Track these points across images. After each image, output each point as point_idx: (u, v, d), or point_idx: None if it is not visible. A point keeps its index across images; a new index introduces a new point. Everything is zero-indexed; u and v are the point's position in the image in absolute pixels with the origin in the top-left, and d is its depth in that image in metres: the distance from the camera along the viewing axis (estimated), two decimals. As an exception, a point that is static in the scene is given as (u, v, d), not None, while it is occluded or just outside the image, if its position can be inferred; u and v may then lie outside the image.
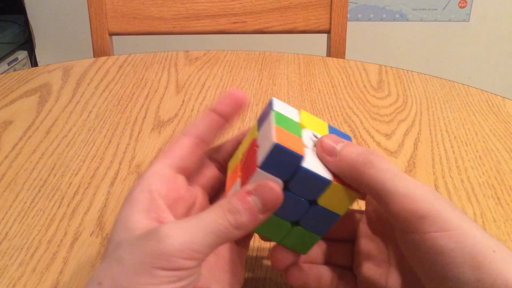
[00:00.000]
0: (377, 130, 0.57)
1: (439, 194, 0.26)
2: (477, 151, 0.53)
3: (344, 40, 0.89)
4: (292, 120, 0.30)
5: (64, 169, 0.50)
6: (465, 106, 0.62)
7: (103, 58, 0.78)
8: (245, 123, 0.59)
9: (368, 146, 0.54)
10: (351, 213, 0.33)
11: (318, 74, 0.72)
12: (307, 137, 0.29)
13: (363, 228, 0.32)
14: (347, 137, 0.31)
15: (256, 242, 0.40)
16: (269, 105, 0.30)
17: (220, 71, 0.73)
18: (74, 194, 0.46)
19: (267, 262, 0.38)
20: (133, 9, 0.89)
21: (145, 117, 0.60)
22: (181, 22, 0.90)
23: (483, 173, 0.49)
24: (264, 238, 0.33)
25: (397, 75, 0.72)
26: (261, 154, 0.27)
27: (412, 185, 0.25)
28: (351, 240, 0.33)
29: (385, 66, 0.75)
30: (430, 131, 0.57)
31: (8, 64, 1.78)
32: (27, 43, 1.91)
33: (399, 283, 0.29)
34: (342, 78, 0.70)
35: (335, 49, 0.89)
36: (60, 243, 0.40)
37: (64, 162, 0.51)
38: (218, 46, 1.69)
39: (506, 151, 0.53)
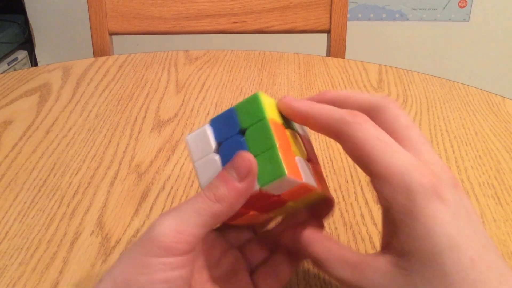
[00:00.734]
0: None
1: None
2: (477, 151, 0.53)
3: (344, 40, 0.89)
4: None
5: (64, 168, 0.50)
6: (465, 106, 0.62)
7: (103, 58, 0.78)
8: (245, 123, 0.58)
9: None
10: None
11: (318, 74, 0.72)
12: None
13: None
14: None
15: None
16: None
17: (220, 71, 0.73)
18: (74, 193, 0.46)
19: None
20: (133, 8, 0.89)
21: (145, 117, 0.60)
22: (181, 21, 0.90)
23: (483, 173, 0.49)
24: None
25: (397, 75, 0.72)
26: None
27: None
28: None
29: (385, 66, 0.75)
30: (430, 131, 0.57)
31: (8, 63, 1.78)
32: (27, 42, 1.91)
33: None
34: (342, 78, 0.70)
35: (335, 49, 0.89)
36: (60, 243, 0.40)
37: (64, 162, 0.51)
38: (218, 46, 1.69)
39: (506, 151, 0.53)
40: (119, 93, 0.66)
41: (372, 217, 0.43)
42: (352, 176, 0.48)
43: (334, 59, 0.77)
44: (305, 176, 0.28)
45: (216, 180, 0.27)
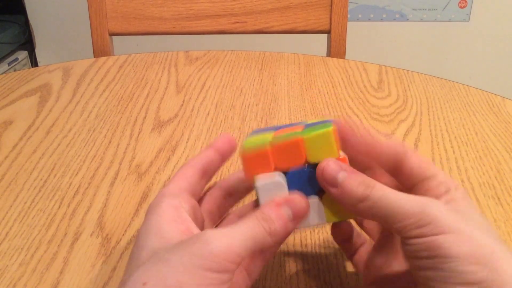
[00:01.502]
0: (377, 130, 0.57)
1: (434, 201, 0.27)
2: (477, 151, 0.53)
3: (344, 40, 0.89)
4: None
5: (64, 169, 0.50)
6: (465, 106, 0.62)
7: (103, 58, 0.78)
8: (245, 123, 0.59)
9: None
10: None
11: (318, 74, 0.72)
12: None
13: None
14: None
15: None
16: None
17: (220, 71, 0.73)
18: (74, 194, 0.46)
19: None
20: (133, 9, 0.89)
21: (145, 117, 0.60)
22: (181, 22, 0.90)
23: (483, 173, 0.49)
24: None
25: (397, 75, 0.72)
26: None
27: (407, 202, 0.27)
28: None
29: (385, 66, 0.75)
30: (430, 131, 0.57)
31: (9, 64, 1.78)
32: (27, 43, 1.91)
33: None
34: (342, 78, 0.70)
35: (335, 49, 0.89)
36: (60, 243, 0.40)
37: (64, 162, 0.51)
38: (218, 46, 1.69)
39: (506, 151, 0.53)
40: (119, 94, 0.66)
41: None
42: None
43: (334, 59, 0.77)
44: None
45: (273, 214, 0.28)
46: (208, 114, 0.61)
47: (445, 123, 0.58)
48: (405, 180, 0.31)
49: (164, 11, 0.90)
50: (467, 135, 0.56)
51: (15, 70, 0.90)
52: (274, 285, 0.36)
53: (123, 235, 0.41)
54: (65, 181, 0.48)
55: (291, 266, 0.38)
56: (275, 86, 0.68)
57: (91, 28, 0.89)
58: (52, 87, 0.68)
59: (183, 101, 0.64)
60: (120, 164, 0.51)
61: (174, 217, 0.28)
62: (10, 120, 0.60)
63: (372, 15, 1.77)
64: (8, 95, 0.66)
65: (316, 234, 0.41)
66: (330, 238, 0.37)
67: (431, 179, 0.29)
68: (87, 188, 0.47)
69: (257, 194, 0.30)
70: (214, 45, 1.74)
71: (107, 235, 0.41)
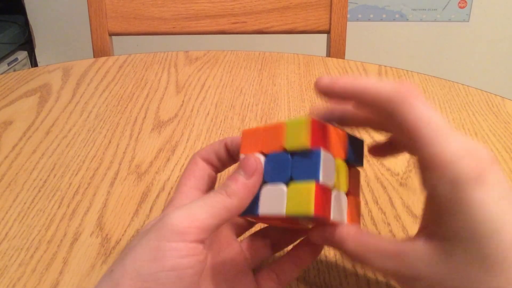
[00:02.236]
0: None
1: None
2: (477, 151, 0.53)
3: (344, 40, 0.89)
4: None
5: (64, 169, 0.50)
6: (465, 106, 0.62)
7: (103, 59, 0.78)
8: (244, 123, 0.59)
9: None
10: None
11: (318, 74, 0.72)
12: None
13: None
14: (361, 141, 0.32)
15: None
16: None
17: (220, 71, 0.73)
18: (74, 194, 0.46)
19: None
20: (133, 9, 0.89)
21: (145, 117, 0.60)
22: (181, 22, 0.90)
23: (483, 173, 0.49)
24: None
25: (396, 75, 0.72)
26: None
27: (444, 133, 0.25)
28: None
29: (385, 66, 0.75)
30: (430, 131, 0.57)
31: (8, 64, 1.78)
32: (27, 43, 1.91)
33: None
34: (342, 78, 0.70)
35: (335, 49, 0.89)
36: (60, 244, 0.40)
37: (64, 162, 0.51)
38: (218, 46, 1.69)
39: (506, 151, 0.53)
40: (119, 94, 0.66)
41: (372, 218, 0.43)
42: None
43: (334, 59, 0.77)
44: (334, 214, 0.29)
45: (227, 180, 0.29)
46: (208, 114, 0.61)
47: (444, 123, 0.58)
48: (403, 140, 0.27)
49: (164, 11, 0.90)
50: (466, 135, 0.56)
51: (15, 70, 0.90)
52: (274, 285, 0.36)
53: (122, 235, 0.41)
54: (65, 181, 0.48)
55: (291, 266, 0.38)
56: (274, 86, 0.68)
57: (91, 28, 0.89)
58: (52, 87, 0.68)
59: (183, 101, 0.64)
60: (120, 164, 0.51)
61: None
62: (10, 120, 0.60)
63: (372, 15, 1.77)
64: (8, 95, 0.66)
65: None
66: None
67: (430, 161, 0.25)
68: (86, 188, 0.47)
69: None
70: (214, 45, 1.74)
71: (106, 235, 0.41)
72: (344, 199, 0.30)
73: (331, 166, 0.29)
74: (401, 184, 0.47)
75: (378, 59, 1.79)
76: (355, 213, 0.31)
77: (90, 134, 0.56)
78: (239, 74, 0.72)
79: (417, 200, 0.45)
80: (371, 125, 0.32)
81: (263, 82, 0.70)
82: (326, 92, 0.29)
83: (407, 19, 1.77)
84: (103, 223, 0.42)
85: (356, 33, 1.78)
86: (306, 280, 0.36)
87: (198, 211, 0.27)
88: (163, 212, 0.30)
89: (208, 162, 0.33)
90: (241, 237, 0.35)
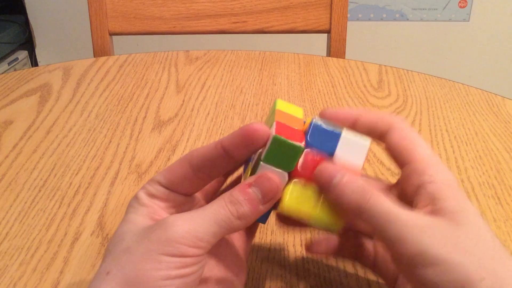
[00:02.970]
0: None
1: (431, 224, 0.26)
2: (477, 151, 0.53)
3: (344, 40, 0.89)
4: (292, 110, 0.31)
5: (65, 169, 0.50)
6: (465, 106, 0.62)
7: (103, 58, 0.78)
8: (245, 122, 0.59)
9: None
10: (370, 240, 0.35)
11: (318, 74, 0.72)
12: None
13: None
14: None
15: (256, 241, 0.40)
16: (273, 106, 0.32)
17: (220, 71, 0.73)
18: (75, 194, 0.46)
19: (270, 265, 0.38)
20: (134, 9, 0.90)
21: (145, 117, 0.60)
22: (181, 22, 0.90)
23: (483, 173, 0.49)
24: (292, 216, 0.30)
25: (397, 75, 0.72)
26: (265, 147, 0.28)
27: (401, 225, 0.26)
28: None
29: (385, 66, 0.75)
30: (430, 131, 0.57)
31: (9, 64, 1.78)
32: (28, 43, 1.91)
33: None
34: (342, 78, 0.71)
35: (335, 49, 0.89)
36: (60, 243, 0.40)
37: (65, 162, 0.51)
38: (218, 46, 1.69)
39: (506, 151, 0.53)
40: (120, 93, 0.66)
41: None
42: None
43: (334, 59, 0.77)
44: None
45: (240, 196, 0.27)
46: (208, 113, 0.61)
47: (445, 123, 0.58)
48: (394, 157, 0.30)
49: (164, 10, 0.90)
50: (467, 134, 0.56)
51: (15, 70, 0.90)
52: (274, 285, 0.36)
53: (123, 234, 0.41)
54: (65, 181, 0.48)
55: (291, 266, 0.38)
56: (275, 86, 0.68)
57: (91, 28, 0.89)
58: (52, 87, 0.68)
59: (183, 100, 0.64)
60: (120, 163, 0.51)
61: (147, 212, 0.28)
62: (10, 120, 0.60)
63: (372, 15, 1.77)
64: (8, 94, 0.66)
65: (316, 234, 0.41)
66: (330, 237, 0.37)
67: (412, 171, 0.28)
68: (87, 187, 0.47)
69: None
70: (214, 45, 1.74)
71: (107, 234, 0.41)
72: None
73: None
74: (401, 184, 0.47)
75: (378, 59, 1.79)
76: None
77: (91, 133, 0.56)
78: (240, 74, 0.72)
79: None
80: None
81: (264, 81, 0.70)
82: (335, 120, 0.31)
83: (408, 19, 1.77)
84: (103, 223, 0.42)
85: (357, 33, 1.78)
86: (306, 280, 0.36)
87: (202, 228, 0.26)
88: (138, 194, 0.29)
89: (197, 168, 0.28)
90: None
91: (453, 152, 0.53)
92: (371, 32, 1.80)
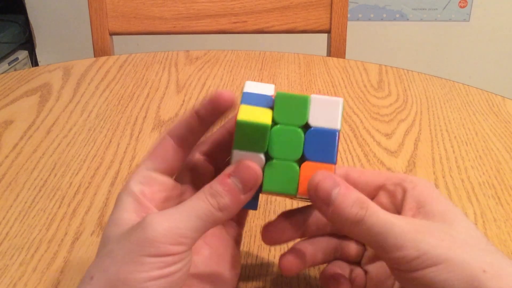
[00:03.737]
0: (377, 130, 0.57)
1: (425, 226, 0.27)
2: (477, 151, 0.53)
3: (344, 40, 0.89)
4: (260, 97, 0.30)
5: (65, 168, 0.50)
6: (465, 106, 0.62)
7: (103, 58, 0.78)
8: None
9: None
10: (357, 242, 0.34)
11: (318, 74, 0.72)
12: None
13: (367, 254, 0.33)
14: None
15: (256, 240, 0.40)
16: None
17: (220, 71, 0.73)
18: (75, 193, 0.46)
19: (267, 262, 0.38)
20: (134, 8, 0.90)
21: (145, 116, 0.60)
22: (181, 22, 0.90)
23: (483, 173, 0.49)
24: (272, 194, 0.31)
25: (397, 75, 0.72)
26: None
27: (399, 232, 0.26)
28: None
29: (385, 66, 0.75)
30: (430, 130, 0.57)
31: (9, 63, 1.78)
32: (28, 42, 1.91)
33: None
34: (342, 78, 0.71)
35: (335, 49, 0.89)
36: (60, 243, 0.40)
37: (65, 162, 0.51)
38: (219, 46, 1.69)
39: (506, 151, 0.53)
40: (120, 93, 0.66)
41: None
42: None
43: (334, 59, 0.77)
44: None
45: (220, 187, 0.27)
46: (208, 113, 0.61)
47: (445, 123, 0.58)
48: (365, 190, 0.31)
49: (165, 10, 0.90)
50: (467, 134, 0.56)
51: (15, 70, 0.90)
52: (274, 285, 0.36)
53: (123, 234, 0.41)
54: (66, 181, 0.48)
55: (291, 266, 0.38)
56: (275, 85, 0.68)
57: (91, 28, 0.89)
58: (52, 86, 0.68)
59: (183, 100, 0.64)
60: (121, 163, 0.51)
61: (134, 207, 0.28)
62: (11, 119, 0.60)
63: (372, 15, 1.77)
64: (8, 94, 0.66)
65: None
66: (330, 237, 0.37)
67: (392, 183, 0.30)
68: (87, 187, 0.47)
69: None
70: (214, 45, 1.74)
71: (107, 234, 0.41)
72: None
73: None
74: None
75: (379, 59, 1.79)
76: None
77: (91, 133, 0.56)
78: (240, 74, 0.72)
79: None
80: None
81: (264, 81, 0.69)
82: None
83: (408, 19, 1.77)
84: (103, 223, 0.42)
85: (357, 33, 1.78)
86: (306, 280, 0.36)
87: (183, 224, 0.25)
88: (126, 182, 0.29)
89: (178, 137, 0.30)
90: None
91: (453, 152, 0.53)
92: (371, 32, 1.80)
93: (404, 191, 0.30)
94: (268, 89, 0.31)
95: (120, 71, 0.73)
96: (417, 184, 0.30)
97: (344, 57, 0.89)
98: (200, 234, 0.26)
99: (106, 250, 0.26)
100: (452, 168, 0.50)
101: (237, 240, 0.33)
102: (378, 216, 0.26)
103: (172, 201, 0.30)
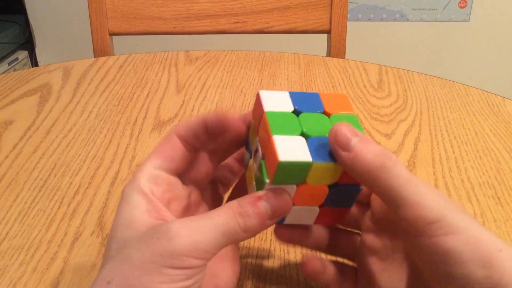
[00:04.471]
0: (377, 130, 0.57)
1: (449, 199, 0.26)
2: (477, 151, 0.53)
3: (344, 40, 0.89)
4: (286, 116, 0.29)
5: (65, 169, 0.50)
6: (465, 106, 0.62)
7: (103, 58, 0.78)
8: (245, 123, 0.59)
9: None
10: (357, 205, 0.33)
11: (318, 74, 0.72)
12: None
13: (368, 221, 0.32)
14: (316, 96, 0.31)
15: (256, 240, 0.40)
16: (259, 101, 0.30)
17: (220, 71, 0.73)
18: (75, 194, 0.46)
19: (267, 262, 0.38)
20: (134, 9, 0.90)
21: (145, 117, 0.60)
22: (181, 22, 0.90)
23: (483, 173, 0.49)
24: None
25: (397, 75, 0.72)
26: (269, 168, 0.27)
27: (423, 191, 0.25)
28: (356, 231, 0.34)
29: (385, 66, 0.75)
30: (430, 131, 0.57)
31: (9, 64, 1.78)
32: (28, 43, 1.91)
33: (401, 278, 0.30)
34: (342, 78, 0.71)
35: (335, 49, 0.89)
36: (60, 243, 0.40)
37: (65, 162, 0.51)
38: (218, 46, 1.69)
39: (506, 151, 0.53)
40: (120, 93, 0.66)
41: (372, 217, 0.43)
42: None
43: (334, 59, 0.77)
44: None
45: (250, 209, 0.27)
46: (208, 114, 0.61)
47: (445, 123, 0.58)
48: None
49: (164, 11, 0.90)
50: (467, 135, 0.56)
51: (15, 70, 0.90)
52: (274, 285, 0.36)
53: (123, 235, 0.41)
54: (65, 181, 0.48)
55: (292, 266, 0.38)
56: (275, 86, 0.68)
57: (91, 28, 0.89)
58: (52, 87, 0.68)
59: (183, 101, 0.64)
60: (121, 164, 0.51)
61: (146, 207, 0.27)
62: (10, 120, 0.60)
63: (372, 15, 1.77)
64: (8, 95, 0.66)
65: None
66: (330, 238, 0.37)
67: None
68: (87, 188, 0.47)
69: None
70: (214, 45, 1.74)
71: (107, 235, 0.41)
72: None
73: None
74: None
75: (379, 59, 1.79)
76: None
77: (91, 134, 0.56)
78: (240, 74, 0.72)
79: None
80: None
81: (264, 82, 0.70)
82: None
83: (408, 19, 1.77)
84: (103, 223, 0.42)
85: (357, 33, 1.78)
86: (306, 280, 0.36)
87: (208, 239, 0.25)
88: (134, 178, 0.28)
89: (185, 140, 0.30)
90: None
91: (453, 152, 0.53)
92: (371, 32, 1.80)
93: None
94: (285, 102, 0.30)
95: (120, 71, 0.73)
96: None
97: (344, 57, 0.89)
98: (220, 249, 0.26)
99: (123, 255, 0.25)
100: (452, 169, 0.50)
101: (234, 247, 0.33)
102: (402, 169, 0.26)
103: (179, 201, 0.30)
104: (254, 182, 0.30)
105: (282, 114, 0.29)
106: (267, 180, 0.27)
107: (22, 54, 1.86)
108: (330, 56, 0.89)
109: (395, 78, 0.71)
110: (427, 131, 0.57)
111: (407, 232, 0.26)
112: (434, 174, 0.49)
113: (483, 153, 0.52)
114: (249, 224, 0.26)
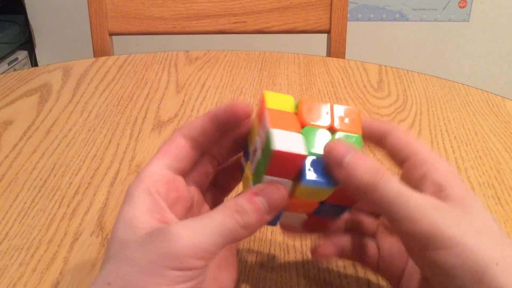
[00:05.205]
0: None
1: (442, 206, 0.26)
2: (477, 151, 0.53)
3: (344, 40, 0.89)
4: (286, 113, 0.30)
5: (64, 169, 0.50)
6: (465, 106, 0.62)
7: (103, 58, 0.78)
8: (245, 123, 0.58)
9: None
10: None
11: (318, 74, 0.72)
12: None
13: (381, 227, 0.33)
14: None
15: (256, 240, 0.40)
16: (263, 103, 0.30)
17: (220, 71, 0.73)
18: (74, 194, 0.46)
19: (266, 261, 0.38)
20: (133, 9, 0.90)
21: (145, 117, 0.60)
22: (181, 22, 0.90)
23: (483, 173, 0.49)
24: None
25: (397, 75, 0.72)
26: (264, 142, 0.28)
27: (414, 205, 0.25)
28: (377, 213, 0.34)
29: (385, 66, 0.75)
30: (430, 131, 0.57)
31: (8, 64, 1.78)
32: (27, 43, 1.91)
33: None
34: (342, 78, 0.70)
35: (335, 49, 0.89)
36: (60, 243, 0.40)
37: (64, 162, 0.51)
38: (218, 46, 1.69)
39: (506, 151, 0.53)
40: (119, 93, 0.66)
41: (372, 217, 0.43)
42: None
43: (334, 59, 0.77)
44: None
45: (247, 205, 0.27)
46: (208, 114, 0.61)
47: (445, 123, 0.58)
48: (394, 157, 0.30)
49: (164, 11, 0.90)
50: (467, 135, 0.56)
51: (15, 70, 0.90)
52: (274, 285, 0.36)
53: (123, 235, 0.41)
54: (65, 181, 0.48)
55: (291, 266, 0.38)
56: (275, 86, 0.68)
57: (91, 28, 0.89)
58: (52, 87, 0.68)
59: (183, 101, 0.64)
60: (120, 164, 0.51)
61: (149, 206, 0.27)
62: (10, 120, 0.60)
63: (372, 15, 1.77)
64: (8, 95, 0.66)
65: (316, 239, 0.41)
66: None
67: (413, 164, 0.29)
68: (87, 188, 0.47)
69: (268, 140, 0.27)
70: (214, 45, 1.74)
71: (107, 235, 0.41)
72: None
73: None
74: (401, 184, 0.47)
75: (378, 59, 1.79)
76: None
77: (90, 134, 0.56)
78: (239, 74, 0.72)
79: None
80: None
81: (263, 82, 0.70)
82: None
83: (408, 19, 1.77)
84: (103, 223, 0.42)
85: (356, 33, 1.78)
86: (306, 280, 0.36)
87: (207, 239, 0.25)
88: (138, 177, 0.28)
89: (192, 138, 0.30)
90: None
91: (453, 152, 0.53)
92: (371, 32, 1.80)
93: (424, 172, 0.28)
94: (289, 103, 0.31)
95: (119, 71, 0.73)
96: (439, 167, 0.28)
97: (344, 57, 0.89)
98: (220, 249, 0.26)
99: (123, 256, 0.25)
100: (452, 168, 0.50)
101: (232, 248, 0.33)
102: (393, 185, 0.26)
103: (183, 201, 0.30)
104: (251, 182, 0.30)
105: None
106: (265, 176, 0.28)
107: (22, 54, 1.86)
108: (330, 56, 0.89)
109: (395, 78, 0.71)
110: (427, 131, 0.57)
111: (404, 245, 0.27)
112: (434, 174, 0.49)
113: (483, 153, 0.52)
114: (248, 220, 0.26)
